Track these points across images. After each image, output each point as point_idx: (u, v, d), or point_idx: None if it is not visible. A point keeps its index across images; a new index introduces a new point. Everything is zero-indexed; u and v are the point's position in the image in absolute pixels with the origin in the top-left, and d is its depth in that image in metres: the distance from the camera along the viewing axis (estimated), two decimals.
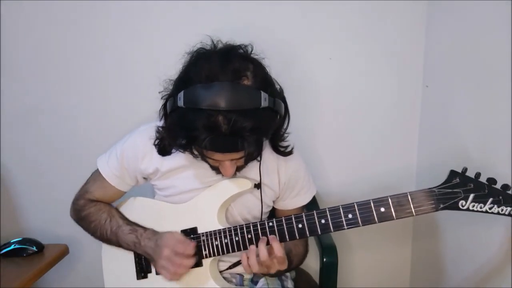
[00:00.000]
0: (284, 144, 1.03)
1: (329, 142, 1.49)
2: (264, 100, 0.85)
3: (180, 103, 0.85)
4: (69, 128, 1.48)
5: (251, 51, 0.94)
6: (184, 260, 1.01)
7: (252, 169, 1.03)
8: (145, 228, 1.08)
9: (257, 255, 0.95)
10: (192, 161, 1.02)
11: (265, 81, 0.89)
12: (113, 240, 1.09)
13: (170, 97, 0.90)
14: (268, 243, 0.96)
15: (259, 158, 1.01)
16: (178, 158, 1.05)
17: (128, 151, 1.08)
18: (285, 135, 1.01)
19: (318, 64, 1.42)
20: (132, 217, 1.12)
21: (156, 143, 1.02)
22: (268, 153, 1.05)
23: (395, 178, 1.48)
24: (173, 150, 1.03)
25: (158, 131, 1.02)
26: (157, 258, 1.03)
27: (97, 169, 1.12)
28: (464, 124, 1.20)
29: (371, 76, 1.43)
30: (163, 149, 1.02)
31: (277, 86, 0.94)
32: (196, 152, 0.93)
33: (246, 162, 0.97)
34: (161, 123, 1.00)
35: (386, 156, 1.49)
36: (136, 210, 1.13)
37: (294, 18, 1.39)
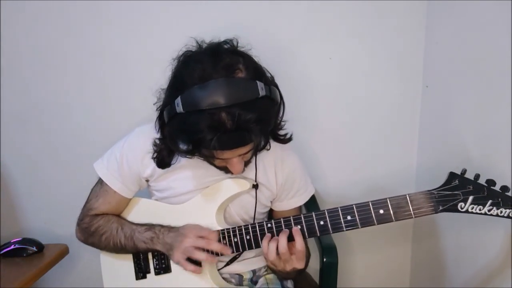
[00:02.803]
0: (282, 132, 1.03)
1: (329, 142, 1.49)
2: (261, 89, 0.85)
3: (179, 109, 0.84)
4: (69, 128, 1.48)
5: (237, 44, 0.94)
6: (210, 242, 0.99)
7: (249, 169, 1.03)
8: (162, 225, 1.07)
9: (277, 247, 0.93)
10: (189, 162, 1.03)
11: (257, 70, 0.89)
12: (128, 246, 1.07)
13: (166, 106, 0.89)
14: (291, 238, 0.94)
15: (255, 162, 1.01)
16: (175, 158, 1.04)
17: (128, 154, 1.07)
18: (282, 123, 1.01)
19: (318, 64, 1.42)
20: (131, 218, 1.12)
21: (154, 156, 1.02)
22: (266, 154, 1.05)
23: (394, 178, 1.48)
24: (173, 162, 1.02)
25: (155, 144, 1.01)
26: (178, 245, 1.01)
27: (96, 184, 1.12)
28: (464, 125, 1.20)
29: (371, 76, 1.43)
30: (162, 161, 1.01)
31: (268, 75, 0.94)
32: (206, 154, 0.91)
33: (254, 154, 0.97)
34: (157, 135, 0.99)
35: (386, 156, 1.49)
36: (136, 211, 1.13)
37: (294, 18, 1.38)
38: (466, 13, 1.18)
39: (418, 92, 1.43)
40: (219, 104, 0.80)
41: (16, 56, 1.42)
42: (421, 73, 1.41)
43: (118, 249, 1.09)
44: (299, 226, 0.95)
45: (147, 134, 1.03)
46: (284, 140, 1.04)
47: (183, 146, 0.91)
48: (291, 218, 0.96)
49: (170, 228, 1.05)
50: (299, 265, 0.96)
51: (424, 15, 1.36)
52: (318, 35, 1.40)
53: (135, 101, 1.41)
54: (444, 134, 1.31)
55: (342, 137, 1.49)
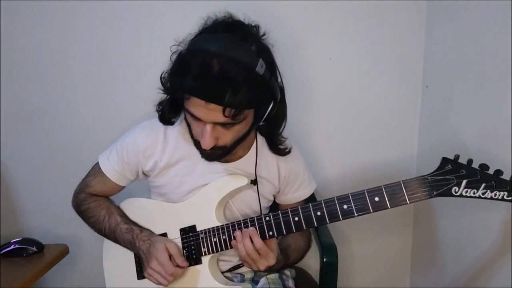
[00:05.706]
0: (282, 147, 1.05)
1: (329, 142, 1.49)
2: (261, 66, 0.85)
3: (183, 48, 0.88)
4: (69, 128, 1.49)
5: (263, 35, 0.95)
6: (171, 278, 1.02)
7: (250, 163, 1.05)
8: (141, 229, 1.08)
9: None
10: (190, 156, 1.04)
11: (266, 52, 0.91)
12: (111, 237, 1.11)
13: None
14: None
15: (256, 156, 1.02)
16: (177, 153, 1.06)
17: (129, 146, 1.08)
18: (282, 139, 1.03)
19: (318, 64, 1.42)
20: (131, 218, 1.12)
21: (158, 109, 1.04)
22: (267, 148, 1.06)
23: (394, 180, 1.48)
24: (173, 120, 1.04)
25: (160, 103, 1.03)
26: (146, 265, 1.04)
27: (98, 162, 1.13)
28: (464, 125, 1.20)
29: (371, 76, 1.43)
30: (163, 115, 1.03)
31: (279, 78, 0.94)
32: (186, 104, 0.88)
33: (230, 123, 0.88)
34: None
35: (386, 158, 1.49)
36: (136, 210, 1.14)
37: (294, 18, 1.39)
38: (466, 13, 1.18)
39: (418, 92, 1.44)
40: (215, 51, 0.82)
41: (16, 56, 1.43)
42: (421, 73, 1.42)
43: (102, 234, 1.12)
44: (253, 228, 0.97)
45: (150, 128, 1.05)
46: (283, 152, 1.06)
47: (174, 85, 0.91)
48: (289, 210, 0.97)
49: (146, 237, 1.06)
50: (269, 262, 0.97)
51: (424, 15, 1.37)
52: (319, 36, 1.41)
53: (136, 101, 1.41)
54: (444, 135, 1.31)
55: (342, 138, 1.49)
